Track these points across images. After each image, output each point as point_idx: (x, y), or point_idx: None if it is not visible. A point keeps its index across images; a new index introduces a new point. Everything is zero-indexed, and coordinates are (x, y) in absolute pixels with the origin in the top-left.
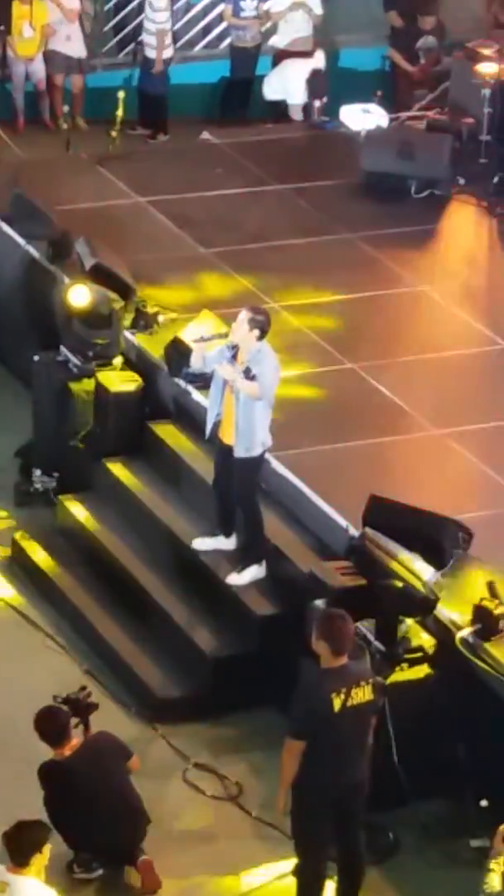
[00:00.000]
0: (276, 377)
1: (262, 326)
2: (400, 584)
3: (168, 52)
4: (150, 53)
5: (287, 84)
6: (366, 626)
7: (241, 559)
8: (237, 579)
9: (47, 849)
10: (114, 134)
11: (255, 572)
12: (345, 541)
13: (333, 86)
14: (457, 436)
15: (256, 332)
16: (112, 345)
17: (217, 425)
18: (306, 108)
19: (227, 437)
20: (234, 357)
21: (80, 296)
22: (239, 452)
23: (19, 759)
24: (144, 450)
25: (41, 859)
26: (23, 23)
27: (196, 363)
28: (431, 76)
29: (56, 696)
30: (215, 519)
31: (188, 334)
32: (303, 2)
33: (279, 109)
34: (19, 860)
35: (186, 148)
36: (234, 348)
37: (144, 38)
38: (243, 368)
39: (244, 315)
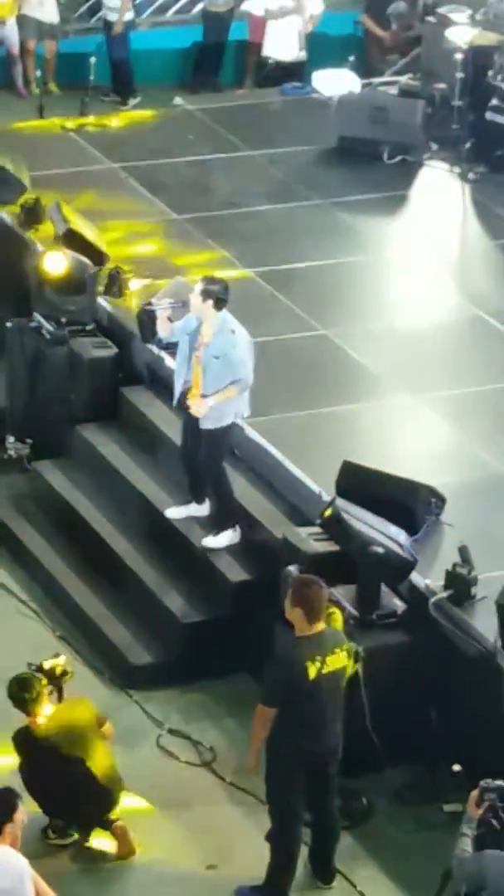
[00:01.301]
0: (250, 352)
1: (216, 296)
2: (381, 550)
3: (128, 16)
4: (111, 16)
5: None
6: (339, 592)
7: (215, 524)
8: (213, 542)
9: (19, 816)
10: (86, 100)
11: (230, 536)
12: (318, 507)
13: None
14: (429, 402)
15: (210, 303)
16: (85, 311)
17: (185, 393)
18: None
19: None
20: (199, 329)
21: (56, 262)
22: (206, 424)
23: None
24: (118, 416)
25: (13, 827)
26: None
27: (164, 332)
28: (403, 41)
29: (30, 663)
30: (187, 486)
31: (158, 301)
32: None
33: (265, 67)
34: None
35: (158, 114)
36: (199, 320)
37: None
38: (209, 349)
39: (197, 286)
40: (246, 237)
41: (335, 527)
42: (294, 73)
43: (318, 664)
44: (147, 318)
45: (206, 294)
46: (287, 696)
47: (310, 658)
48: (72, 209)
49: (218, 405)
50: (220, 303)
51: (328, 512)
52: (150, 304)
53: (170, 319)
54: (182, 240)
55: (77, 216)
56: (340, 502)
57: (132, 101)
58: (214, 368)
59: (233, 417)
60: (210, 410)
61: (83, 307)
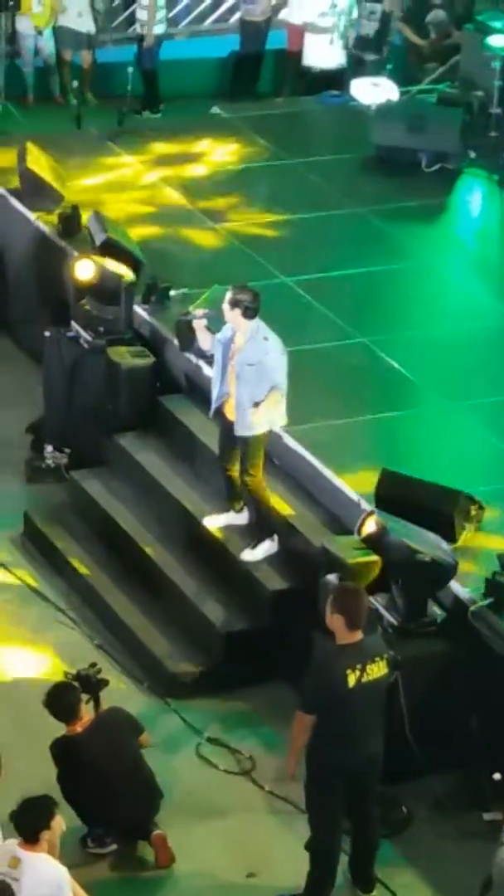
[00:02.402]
0: (284, 361)
1: (244, 305)
2: (428, 559)
3: (159, 28)
4: (141, 29)
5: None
6: (378, 601)
7: (253, 535)
8: (251, 555)
9: (57, 824)
10: (123, 110)
11: (267, 547)
12: (357, 515)
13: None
14: (468, 409)
15: (238, 312)
16: (123, 320)
17: (223, 403)
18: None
19: (232, 413)
20: (233, 338)
21: (84, 270)
22: (241, 432)
23: (31, 735)
24: (156, 425)
25: (51, 835)
26: None
27: (205, 344)
28: (442, 49)
29: (67, 672)
30: (225, 494)
31: (196, 311)
32: None
33: (307, 78)
34: (29, 837)
35: (196, 122)
36: (234, 329)
37: (137, 12)
38: (242, 357)
39: (227, 295)
40: (283, 245)
41: (376, 537)
42: (335, 80)
43: (357, 672)
44: (185, 328)
45: (234, 303)
46: (326, 704)
47: (349, 666)
48: (108, 218)
49: (260, 411)
50: (248, 312)
51: (365, 527)
52: (187, 313)
53: (209, 329)
54: (219, 248)
55: (114, 225)
56: (379, 514)
57: (157, 112)
58: (249, 376)
59: (268, 425)
60: (244, 419)
61: (120, 316)
